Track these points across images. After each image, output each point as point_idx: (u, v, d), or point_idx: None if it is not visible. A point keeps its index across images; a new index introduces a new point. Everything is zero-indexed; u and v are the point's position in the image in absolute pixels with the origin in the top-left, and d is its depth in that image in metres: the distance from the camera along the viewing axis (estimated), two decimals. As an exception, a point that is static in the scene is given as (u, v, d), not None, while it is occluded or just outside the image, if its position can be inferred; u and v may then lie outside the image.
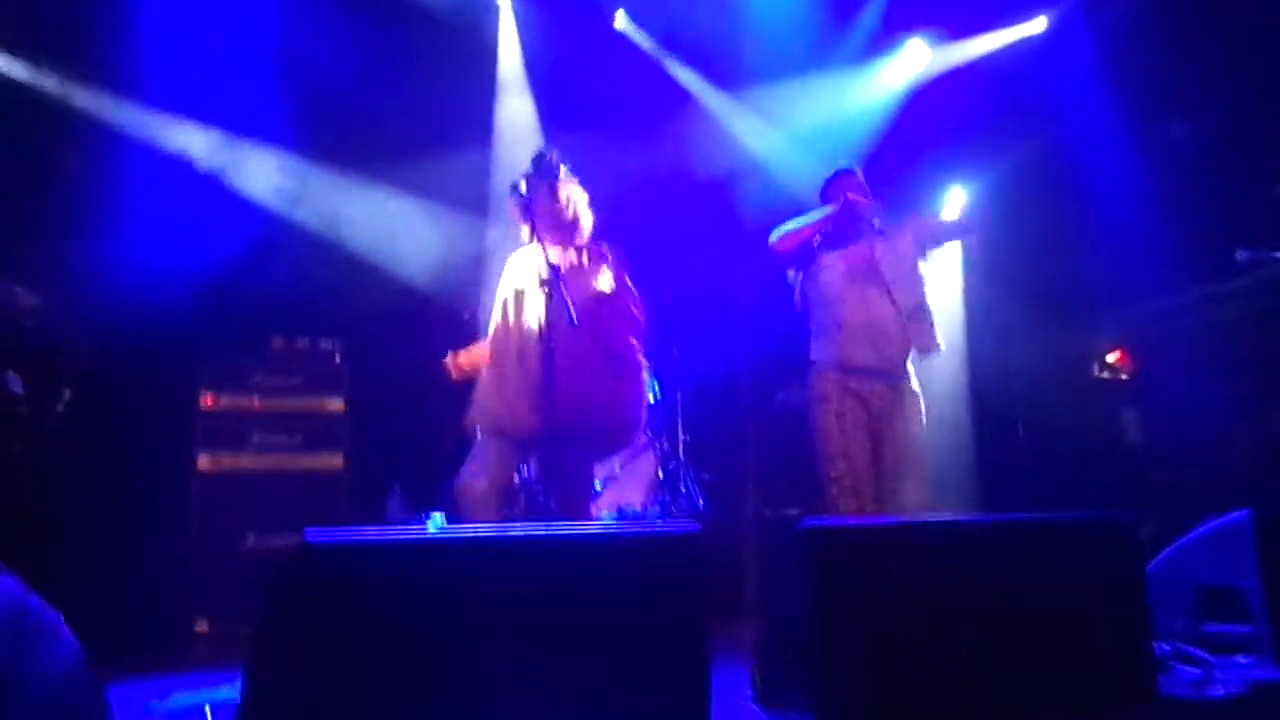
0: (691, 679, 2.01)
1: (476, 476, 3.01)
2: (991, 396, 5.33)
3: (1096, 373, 4.45)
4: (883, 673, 2.06)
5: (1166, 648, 2.45)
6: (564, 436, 2.89)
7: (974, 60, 5.63)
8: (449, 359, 3.39)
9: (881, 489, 3.35)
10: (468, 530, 2.63)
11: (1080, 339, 4.95)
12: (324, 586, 1.71)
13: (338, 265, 5.02)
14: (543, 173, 3.20)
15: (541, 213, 3.10)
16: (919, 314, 3.49)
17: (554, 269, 2.94)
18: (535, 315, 3.04)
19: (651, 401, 5.09)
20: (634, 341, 3.20)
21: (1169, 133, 4.78)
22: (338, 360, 4.58)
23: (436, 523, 4.24)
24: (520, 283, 3.18)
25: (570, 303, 2.85)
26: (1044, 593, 2.21)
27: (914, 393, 3.46)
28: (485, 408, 3.13)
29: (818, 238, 3.60)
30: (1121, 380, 4.35)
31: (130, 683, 2.84)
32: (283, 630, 1.78)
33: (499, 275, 3.32)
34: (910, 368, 3.49)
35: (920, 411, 3.45)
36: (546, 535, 2.03)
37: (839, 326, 3.47)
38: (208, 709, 1.99)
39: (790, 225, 3.62)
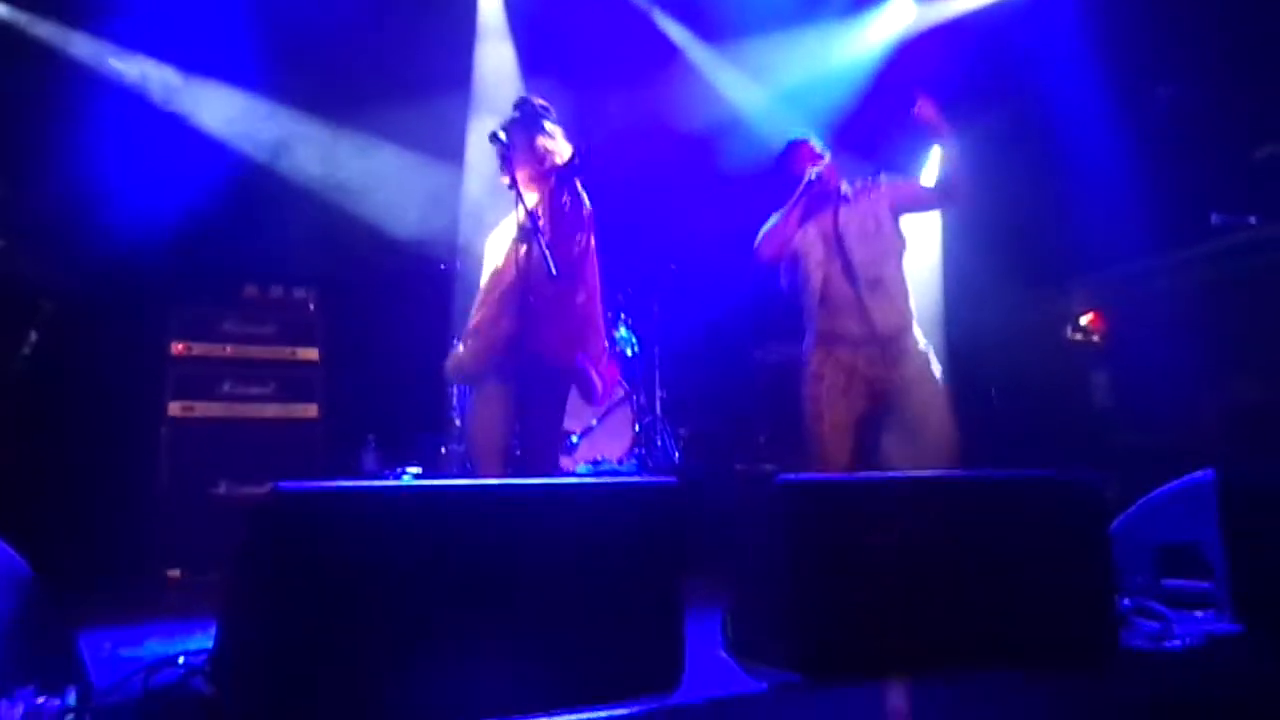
0: (664, 628, 2.04)
1: (481, 433, 3.03)
2: (965, 358, 5.38)
3: (1069, 335, 4.49)
4: (850, 625, 2.10)
5: (1127, 602, 2.52)
6: (537, 373, 2.91)
7: (958, 17, 5.58)
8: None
9: (885, 446, 3.34)
10: (441, 481, 2.64)
11: (1054, 301, 4.98)
12: (296, 536, 1.70)
13: (313, 213, 4.93)
14: (525, 121, 3.15)
15: (521, 163, 3.06)
16: (877, 288, 3.38)
17: (532, 216, 2.91)
18: (510, 266, 3.03)
19: (629, 355, 5.09)
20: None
21: (1149, 96, 4.77)
22: (311, 309, 4.53)
23: (411, 478, 4.24)
24: (500, 243, 3.16)
25: (548, 254, 2.84)
26: (1011, 548, 2.26)
27: (916, 353, 3.39)
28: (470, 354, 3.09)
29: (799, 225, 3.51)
30: (1093, 343, 4.39)
31: (101, 630, 2.83)
32: (255, 579, 1.78)
33: (479, 229, 3.29)
34: (913, 330, 3.43)
35: (923, 369, 3.37)
36: (521, 486, 2.03)
37: (819, 304, 3.44)
38: (181, 657, 1.99)
39: (767, 229, 3.55)
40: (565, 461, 4.79)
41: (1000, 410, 5.29)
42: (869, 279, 3.39)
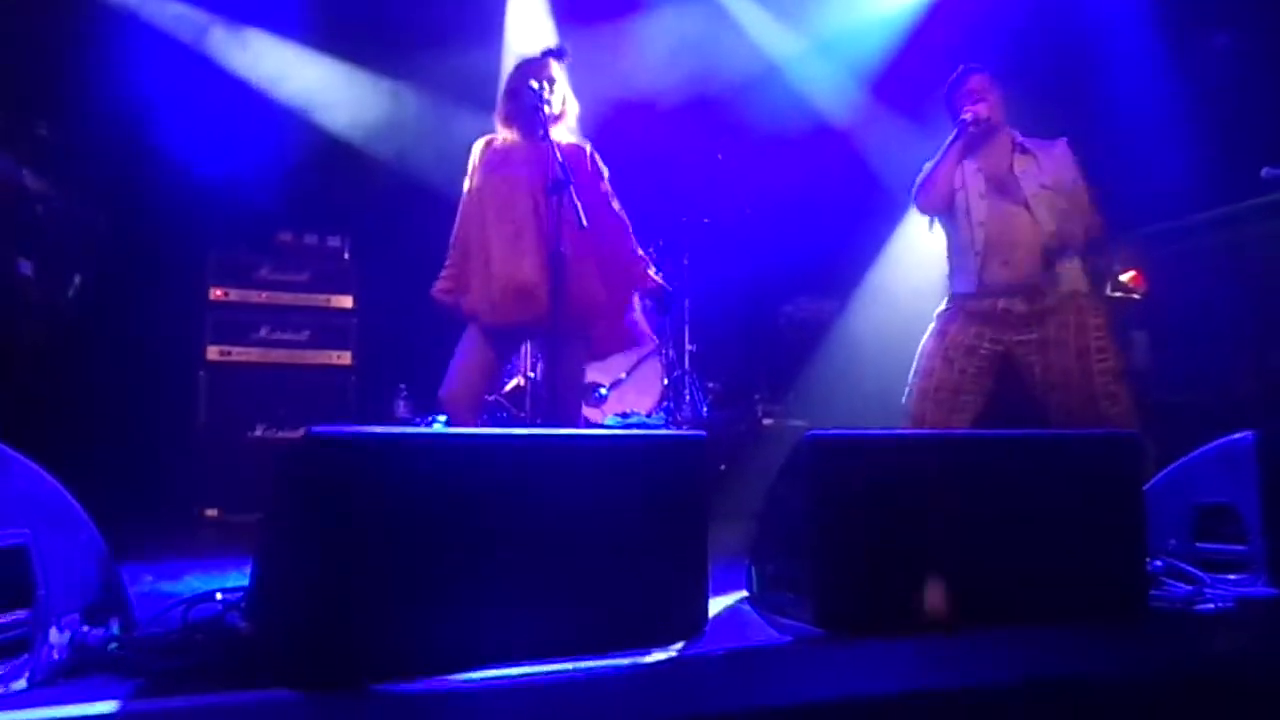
0: (689, 580, 2.06)
1: (454, 381, 3.08)
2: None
3: (1109, 291, 4.39)
4: (877, 579, 2.10)
5: (1159, 564, 2.50)
6: (565, 333, 2.92)
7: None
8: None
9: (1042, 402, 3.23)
10: (472, 430, 2.67)
11: (1094, 256, 4.86)
12: (329, 480, 1.73)
13: (346, 161, 4.95)
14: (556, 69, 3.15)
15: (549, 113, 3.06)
16: (1052, 244, 3.18)
17: (563, 167, 2.90)
18: (518, 203, 3.04)
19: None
20: (630, 248, 3.22)
21: (1205, 44, 4.58)
22: (346, 257, 4.56)
23: (442, 427, 4.29)
24: (496, 170, 3.15)
25: (580, 206, 2.84)
26: (1042, 506, 2.24)
27: (1072, 302, 3.19)
28: (465, 297, 3.12)
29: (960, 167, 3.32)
30: (1134, 300, 4.29)
31: (142, 565, 2.91)
32: (289, 521, 1.82)
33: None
34: (1071, 278, 3.21)
35: (1083, 319, 3.17)
36: (551, 437, 2.05)
37: (977, 251, 3.24)
38: (218, 593, 2.05)
39: (924, 174, 3.36)
40: (594, 413, 4.82)
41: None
42: (1047, 231, 3.19)
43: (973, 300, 3.28)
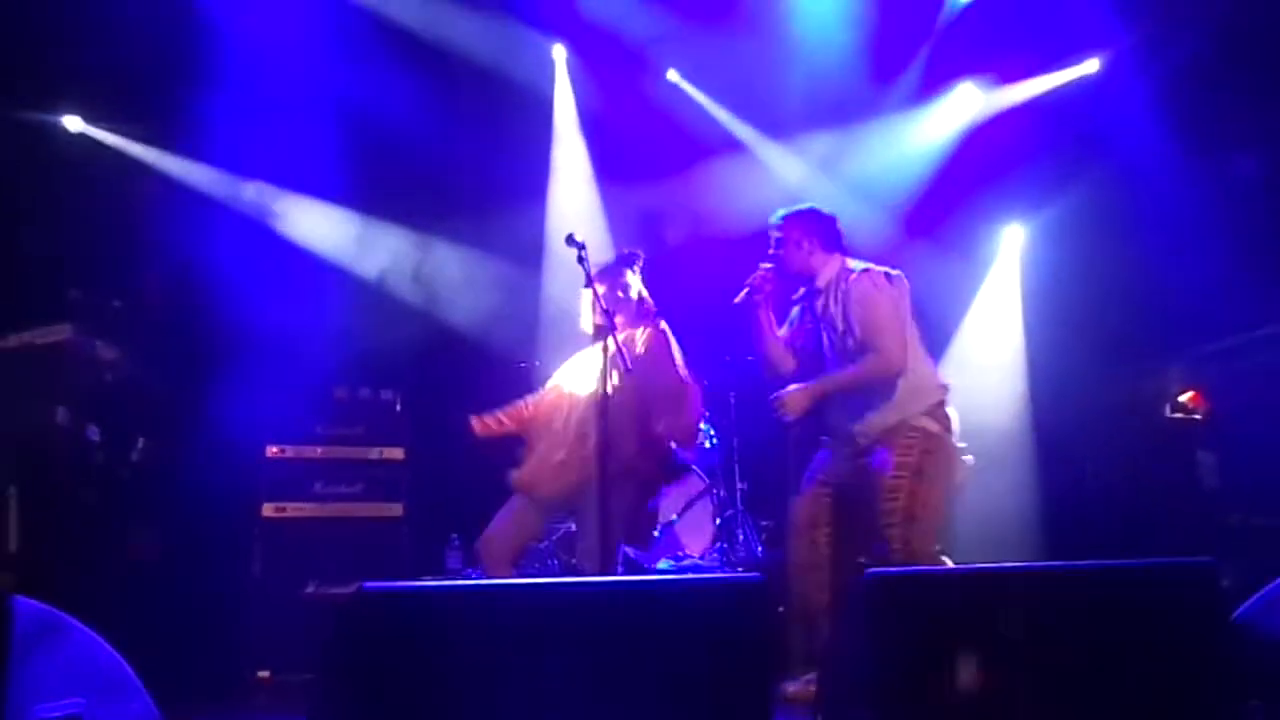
0: (753, 730, 1.97)
1: (494, 533, 3.26)
2: (1055, 439, 5.18)
3: (1168, 413, 4.30)
4: (951, 726, 1.99)
5: (1258, 705, 2.32)
6: (618, 478, 2.95)
7: (1027, 101, 5.59)
8: (478, 423, 3.46)
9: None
10: (524, 580, 2.65)
11: (1149, 379, 4.79)
12: (381, 636, 1.72)
13: (397, 316, 5.14)
14: (618, 266, 3.40)
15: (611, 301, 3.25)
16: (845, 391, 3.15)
17: (608, 315, 3.00)
18: (583, 385, 3.19)
19: (708, 447, 5.06)
20: (679, 372, 3.35)
21: (1233, 166, 4.66)
22: (398, 410, 4.65)
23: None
24: (574, 369, 3.36)
25: (622, 350, 2.94)
26: (1120, 644, 2.12)
27: (887, 439, 3.08)
28: (522, 473, 3.30)
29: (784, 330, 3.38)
30: (1195, 421, 4.19)
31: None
32: (341, 679, 1.80)
33: (557, 330, 3.46)
34: (880, 421, 3.08)
35: (889, 457, 3.04)
36: (606, 584, 2.02)
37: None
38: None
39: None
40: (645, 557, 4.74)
41: (1095, 493, 5.05)
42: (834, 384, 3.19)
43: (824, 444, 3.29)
